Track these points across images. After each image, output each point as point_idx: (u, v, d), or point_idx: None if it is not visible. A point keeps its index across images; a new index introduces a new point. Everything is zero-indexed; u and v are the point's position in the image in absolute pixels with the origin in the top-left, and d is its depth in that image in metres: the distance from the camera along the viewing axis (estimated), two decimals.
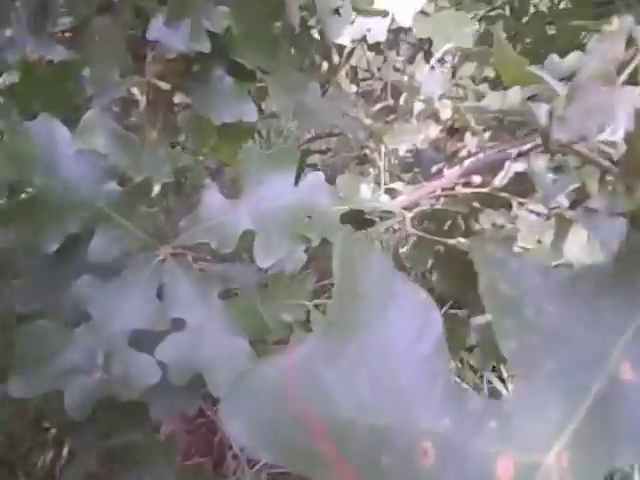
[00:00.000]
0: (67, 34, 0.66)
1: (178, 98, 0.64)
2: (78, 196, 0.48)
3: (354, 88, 0.87)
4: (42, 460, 1.09)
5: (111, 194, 0.50)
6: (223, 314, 0.51)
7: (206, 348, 0.50)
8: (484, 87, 0.65)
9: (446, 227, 0.62)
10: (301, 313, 0.61)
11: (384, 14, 0.67)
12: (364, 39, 0.68)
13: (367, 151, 0.69)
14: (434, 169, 0.59)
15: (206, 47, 0.55)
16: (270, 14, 0.62)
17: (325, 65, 0.81)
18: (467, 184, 0.56)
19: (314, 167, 0.97)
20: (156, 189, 0.59)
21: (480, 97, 0.57)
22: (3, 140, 0.46)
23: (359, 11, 0.67)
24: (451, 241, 0.55)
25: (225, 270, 0.55)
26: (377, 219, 0.61)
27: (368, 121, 0.63)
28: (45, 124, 0.47)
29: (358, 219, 0.60)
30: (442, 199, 0.59)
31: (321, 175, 0.51)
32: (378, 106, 0.76)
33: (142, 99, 0.67)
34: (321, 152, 0.99)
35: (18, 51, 0.58)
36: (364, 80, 0.90)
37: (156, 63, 0.61)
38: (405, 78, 0.64)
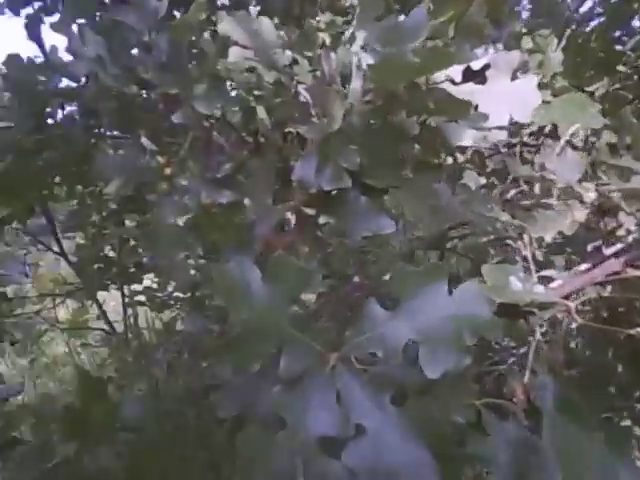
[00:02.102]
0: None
1: (322, 219, 0.73)
2: (269, 322, 0.58)
3: (483, 180, 0.91)
4: None
5: (293, 317, 0.59)
6: (399, 420, 0.55)
7: (388, 455, 0.54)
8: (626, 159, 0.65)
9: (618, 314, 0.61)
10: (471, 413, 0.63)
11: (484, 119, 0.69)
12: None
13: (509, 241, 0.71)
14: (589, 248, 0.60)
15: (347, 183, 0.64)
16: (394, 142, 0.70)
17: (450, 159, 0.87)
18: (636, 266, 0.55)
19: (454, 252, 1.02)
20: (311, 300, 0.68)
21: (622, 173, 0.58)
22: (214, 281, 0.57)
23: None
24: (631, 331, 0.55)
25: (391, 372, 0.60)
26: (535, 310, 0.62)
27: (505, 216, 0.67)
28: (240, 265, 0.59)
29: (514, 311, 0.62)
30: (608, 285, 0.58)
31: (474, 284, 0.56)
32: (512, 192, 0.79)
33: (292, 219, 0.79)
34: (460, 237, 1.03)
35: (194, 196, 0.72)
36: (493, 172, 0.94)
37: (300, 194, 0.72)
38: (536, 174, 0.67)
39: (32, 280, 3.34)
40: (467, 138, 0.73)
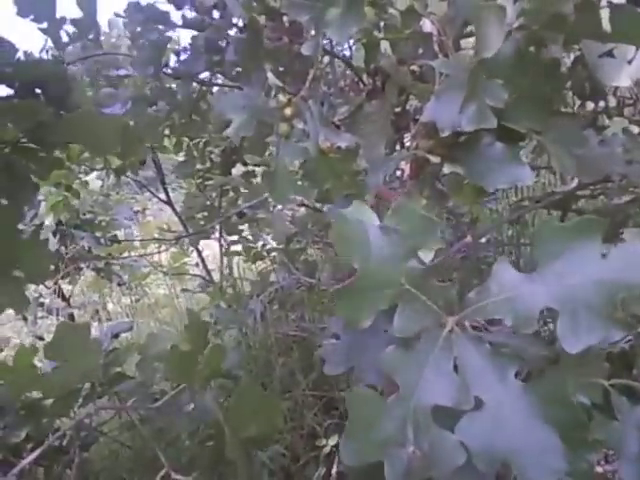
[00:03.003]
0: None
1: (447, 168, 0.66)
2: (386, 275, 0.53)
3: (636, 129, 0.78)
4: (317, 475, 1.21)
5: (412, 271, 0.53)
6: (524, 397, 0.49)
7: (510, 435, 0.48)
8: None
9: None
10: (597, 394, 0.55)
11: None
12: None
13: None
14: None
15: (493, 123, 0.56)
16: (544, 76, 0.60)
17: (590, 105, 0.75)
18: None
19: (580, 214, 0.90)
20: (430, 256, 0.61)
21: None
22: (333, 225, 0.53)
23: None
24: None
25: (519, 346, 0.53)
26: None
27: None
28: (359, 210, 0.54)
29: None
30: None
31: (639, 247, 0.46)
32: None
33: (406, 169, 0.72)
34: (591, 197, 0.91)
35: (312, 140, 0.67)
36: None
37: (426, 139, 0.64)
38: None
39: (139, 226, 3.61)
40: (624, 78, 0.61)
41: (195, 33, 1.30)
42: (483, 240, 1.65)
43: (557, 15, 0.50)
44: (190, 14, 1.32)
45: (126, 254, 2.90)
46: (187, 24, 1.22)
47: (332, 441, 1.28)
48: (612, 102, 0.94)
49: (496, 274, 0.53)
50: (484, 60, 0.52)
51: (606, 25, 0.50)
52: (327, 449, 1.27)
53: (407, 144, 0.76)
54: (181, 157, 1.98)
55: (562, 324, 0.48)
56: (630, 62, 0.63)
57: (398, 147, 0.87)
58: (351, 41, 0.87)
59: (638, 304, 0.46)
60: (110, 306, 3.50)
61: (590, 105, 0.77)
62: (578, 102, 0.82)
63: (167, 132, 1.82)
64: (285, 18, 0.82)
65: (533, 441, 0.48)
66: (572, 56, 0.70)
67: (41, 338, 2.54)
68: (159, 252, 2.70)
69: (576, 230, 0.49)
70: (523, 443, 0.48)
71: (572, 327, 0.47)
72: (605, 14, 0.51)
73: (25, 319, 2.79)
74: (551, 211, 1.18)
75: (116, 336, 1.39)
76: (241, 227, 1.92)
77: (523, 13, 0.53)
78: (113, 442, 1.57)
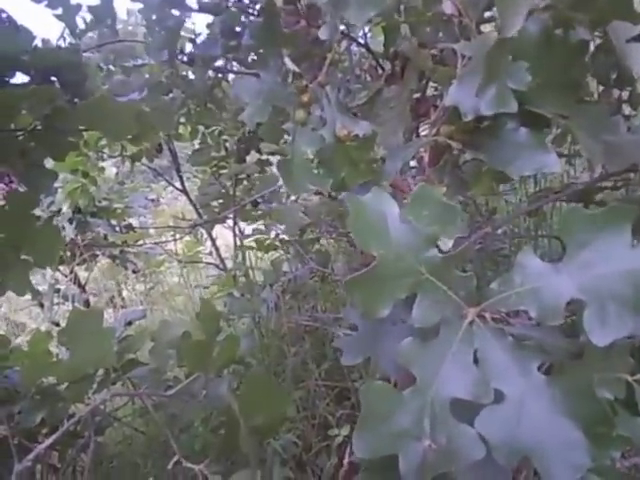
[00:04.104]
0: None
1: (469, 154, 0.64)
2: (405, 264, 0.51)
3: None
4: (329, 465, 1.21)
5: (432, 260, 0.52)
6: (546, 391, 0.47)
7: (531, 429, 0.46)
8: None
9: None
10: (620, 389, 0.53)
11: None
12: None
13: None
14: None
15: (514, 107, 0.53)
16: (572, 59, 0.57)
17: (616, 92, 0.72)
18: None
19: (603, 206, 0.87)
20: (448, 244, 0.59)
21: None
22: (349, 212, 0.51)
23: None
24: None
25: (541, 338, 0.51)
26: None
27: None
28: (378, 197, 0.52)
29: None
30: None
31: None
32: None
33: (426, 156, 0.70)
34: (614, 188, 0.87)
35: (329, 127, 0.65)
36: None
37: (447, 124, 0.62)
38: None
39: (153, 214, 3.63)
40: None
41: (211, 18, 1.29)
42: (499, 232, 1.62)
43: None
44: None
45: (141, 242, 2.91)
46: (203, 8, 1.21)
47: (344, 431, 1.27)
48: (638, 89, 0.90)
49: (520, 264, 0.51)
50: (506, 40, 0.49)
51: (638, 6, 0.48)
52: (339, 439, 1.27)
53: (424, 133, 0.73)
54: (196, 145, 1.97)
55: (589, 316, 0.46)
56: None
57: (415, 136, 0.84)
58: (368, 26, 0.85)
59: None
60: (125, 293, 3.53)
61: (615, 93, 0.74)
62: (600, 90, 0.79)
63: (183, 120, 1.82)
64: (303, 1, 0.80)
65: (556, 436, 0.46)
66: (596, 41, 0.66)
67: (57, 324, 2.58)
68: (174, 240, 2.71)
69: (605, 219, 0.47)
70: (545, 437, 0.46)
71: (600, 319, 0.45)
72: None
73: (42, 305, 2.83)
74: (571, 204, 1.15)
75: (129, 323, 1.40)
76: (254, 215, 1.91)
77: None
78: (127, 427, 1.58)
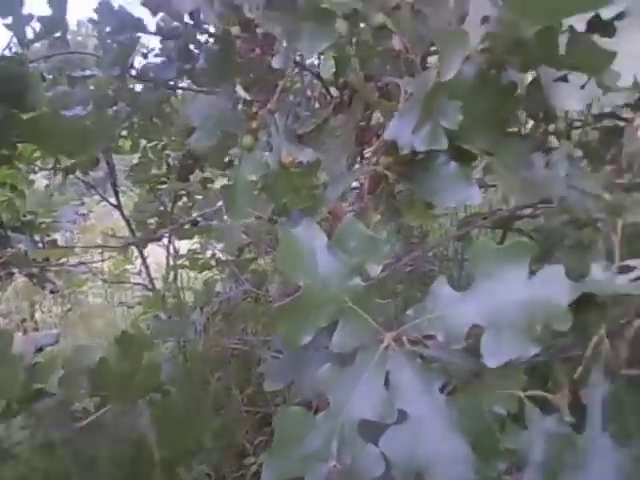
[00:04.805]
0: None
1: (403, 185, 0.69)
2: (329, 293, 0.54)
3: (579, 152, 0.83)
4: None
5: (355, 289, 0.55)
6: (444, 410, 0.51)
7: (426, 446, 0.49)
8: None
9: None
10: (513, 404, 0.57)
11: (616, 77, 0.58)
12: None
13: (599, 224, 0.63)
14: None
15: (444, 145, 0.59)
16: (503, 98, 0.62)
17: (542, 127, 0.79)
18: None
19: (520, 232, 0.94)
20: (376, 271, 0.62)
21: None
22: (279, 242, 0.54)
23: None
24: None
25: (450, 360, 0.55)
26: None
27: (607, 196, 0.59)
28: (308, 229, 0.55)
29: (586, 302, 0.55)
30: None
31: (561, 269, 0.50)
32: (608, 168, 0.71)
33: (366, 184, 0.74)
34: (532, 216, 0.94)
35: (275, 154, 0.68)
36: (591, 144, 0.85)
37: (385, 155, 0.67)
38: None
39: (80, 230, 3.44)
40: (577, 102, 0.64)
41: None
42: (430, 254, 1.70)
43: (519, 40, 0.53)
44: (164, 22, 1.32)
45: (64, 259, 2.74)
46: (160, 32, 1.23)
47: (261, 459, 1.24)
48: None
49: (433, 292, 0.55)
50: (443, 83, 0.55)
51: (563, 51, 0.53)
52: (254, 467, 1.23)
53: (367, 157, 0.78)
54: (135, 159, 1.93)
55: (486, 340, 0.50)
56: (583, 87, 0.65)
57: (360, 160, 0.89)
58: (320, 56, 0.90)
59: (558, 322, 0.49)
60: (38, 315, 3.28)
61: (542, 126, 0.80)
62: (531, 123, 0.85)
63: (124, 133, 1.78)
64: (259, 30, 0.84)
65: (447, 452, 0.49)
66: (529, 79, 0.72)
67: None
68: (102, 260, 2.58)
69: (508, 252, 0.52)
70: (437, 453, 0.49)
71: (495, 343, 0.50)
72: (563, 40, 0.53)
73: None
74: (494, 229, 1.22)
75: (40, 349, 1.28)
76: (191, 233, 1.87)
77: (488, 37, 0.55)
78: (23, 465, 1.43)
